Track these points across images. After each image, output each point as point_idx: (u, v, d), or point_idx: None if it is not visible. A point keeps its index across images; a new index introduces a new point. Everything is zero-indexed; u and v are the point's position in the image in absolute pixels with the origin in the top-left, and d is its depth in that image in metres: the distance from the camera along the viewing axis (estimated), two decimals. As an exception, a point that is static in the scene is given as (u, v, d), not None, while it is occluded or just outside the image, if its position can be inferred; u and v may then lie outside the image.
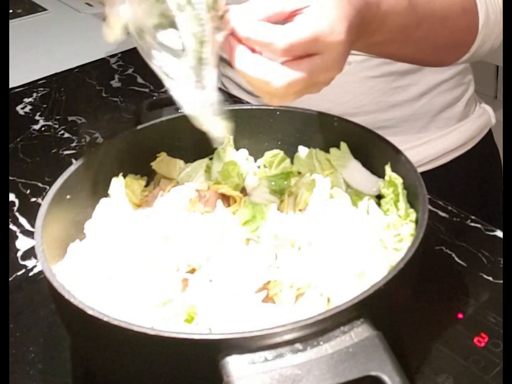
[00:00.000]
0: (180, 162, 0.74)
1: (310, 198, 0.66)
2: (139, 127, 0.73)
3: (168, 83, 0.57)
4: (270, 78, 0.54)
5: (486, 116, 1.07)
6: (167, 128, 0.74)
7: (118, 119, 1.05)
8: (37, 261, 0.74)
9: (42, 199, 0.62)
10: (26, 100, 1.12)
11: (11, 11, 1.55)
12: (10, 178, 0.91)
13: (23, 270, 0.74)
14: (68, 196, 0.64)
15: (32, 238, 0.69)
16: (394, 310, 0.56)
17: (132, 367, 0.52)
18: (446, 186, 0.98)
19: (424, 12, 0.70)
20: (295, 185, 0.70)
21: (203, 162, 0.75)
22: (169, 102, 0.87)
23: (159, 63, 0.57)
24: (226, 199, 0.69)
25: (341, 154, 0.71)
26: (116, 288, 0.58)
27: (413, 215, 0.61)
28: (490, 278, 0.68)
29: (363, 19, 0.59)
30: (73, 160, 0.95)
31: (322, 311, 0.48)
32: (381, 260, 0.58)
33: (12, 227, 0.81)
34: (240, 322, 0.53)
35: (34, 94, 1.14)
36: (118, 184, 0.69)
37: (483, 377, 0.58)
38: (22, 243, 0.79)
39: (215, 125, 0.58)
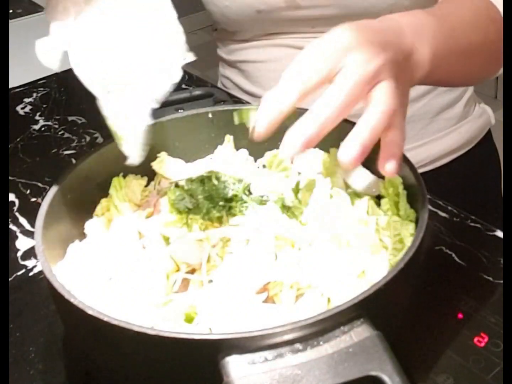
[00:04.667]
0: (180, 162, 0.74)
1: (310, 198, 0.66)
2: (139, 127, 0.72)
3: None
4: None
5: (486, 116, 1.07)
6: (167, 128, 0.74)
7: (118, 119, 1.05)
8: (37, 261, 0.74)
9: (42, 199, 0.62)
10: (26, 100, 1.12)
11: (11, 11, 1.55)
12: (10, 178, 0.91)
13: (23, 270, 0.74)
14: (68, 196, 0.64)
15: (32, 238, 0.69)
16: (394, 310, 0.56)
17: (132, 367, 0.52)
18: (446, 187, 0.98)
19: (455, 20, 0.70)
20: (295, 185, 0.70)
21: (203, 162, 0.75)
22: (169, 102, 0.88)
23: None
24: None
25: (341, 154, 0.70)
26: (116, 288, 0.58)
27: (413, 215, 0.61)
28: (490, 278, 0.68)
29: (387, 32, 0.59)
30: (73, 160, 0.95)
31: (322, 311, 0.48)
32: (381, 260, 0.58)
33: (12, 227, 0.81)
34: (240, 322, 0.53)
35: (34, 94, 1.14)
36: (118, 184, 0.69)
37: (483, 377, 0.58)
38: (22, 243, 0.79)
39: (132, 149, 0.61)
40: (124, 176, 0.71)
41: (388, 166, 0.56)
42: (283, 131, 0.74)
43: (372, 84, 0.54)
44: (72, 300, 0.50)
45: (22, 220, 0.83)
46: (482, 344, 0.60)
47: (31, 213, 0.82)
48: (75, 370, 0.62)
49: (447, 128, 1.01)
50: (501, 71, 0.82)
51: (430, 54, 0.63)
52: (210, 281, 0.58)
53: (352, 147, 0.53)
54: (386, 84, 0.55)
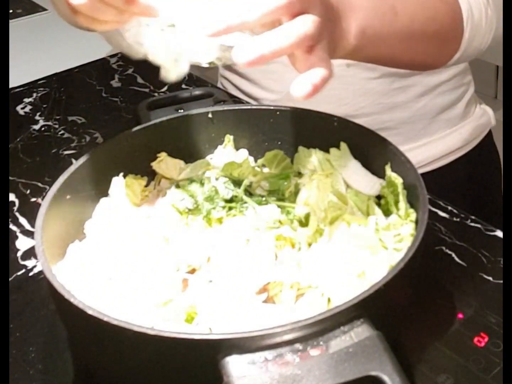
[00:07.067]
0: (180, 162, 0.74)
1: (310, 198, 0.66)
2: (139, 127, 0.73)
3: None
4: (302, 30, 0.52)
5: (486, 117, 1.07)
6: (167, 128, 0.74)
7: (118, 119, 1.05)
8: (37, 261, 0.74)
9: (42, 199, 0.62)
10: (26, 100, 1.12)
11: (11, 11, 1.56)
12: (10, 178, 0.91)
13: (23, 270, 0.74)
14: (68, 196, 0.64)
15: (32, 238, 0.69)
16: (394, 310, 0.56)
17: (132, 367, 0.52)
18: (446, 187, 0.98)
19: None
20: (295, 185, 0.70)
21: (203, 162, 0.75)
22: (169, 102, 0.88)
23: None
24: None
25: (341, 154, 0.71)
26: (116, 288, 0.58)
27: (413, 215, 0.61)
28: (490, 278, 0.68)
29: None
30: (73, 160, 0.95)
31: (322, 311, 0.48)
32: (381, 260, 0.58)
33: (12, 227, 0.81)
34: (240, 322, 0.53)
35: (34, 94, 1.14)
36: (118, 184, 0.69)
37: (483, 377, 0.58)
38: (22, 243, 0.78)
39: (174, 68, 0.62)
40: (124, 176, 0.71)
41: (301, 89, 0.52)
42: (283, 131, 0.74)
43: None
44: (72, 300, 0.50)
45: (22, 220, 0.82)
46: (482, 344, 0.60)
47: (31, 213, 0.82)
48: (75, 370, 0.62)
49: (448, 129, 1.01)
50: (456, 57, 0.80)
51: (357, 28, 0.63)
52: (210, 281, 0.58)
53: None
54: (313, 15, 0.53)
